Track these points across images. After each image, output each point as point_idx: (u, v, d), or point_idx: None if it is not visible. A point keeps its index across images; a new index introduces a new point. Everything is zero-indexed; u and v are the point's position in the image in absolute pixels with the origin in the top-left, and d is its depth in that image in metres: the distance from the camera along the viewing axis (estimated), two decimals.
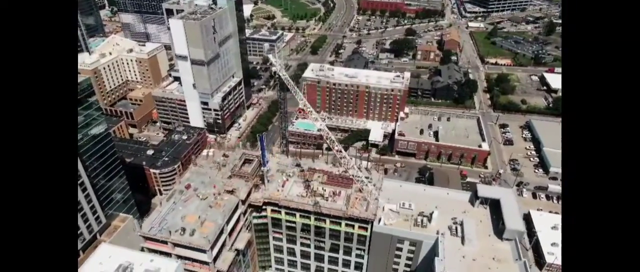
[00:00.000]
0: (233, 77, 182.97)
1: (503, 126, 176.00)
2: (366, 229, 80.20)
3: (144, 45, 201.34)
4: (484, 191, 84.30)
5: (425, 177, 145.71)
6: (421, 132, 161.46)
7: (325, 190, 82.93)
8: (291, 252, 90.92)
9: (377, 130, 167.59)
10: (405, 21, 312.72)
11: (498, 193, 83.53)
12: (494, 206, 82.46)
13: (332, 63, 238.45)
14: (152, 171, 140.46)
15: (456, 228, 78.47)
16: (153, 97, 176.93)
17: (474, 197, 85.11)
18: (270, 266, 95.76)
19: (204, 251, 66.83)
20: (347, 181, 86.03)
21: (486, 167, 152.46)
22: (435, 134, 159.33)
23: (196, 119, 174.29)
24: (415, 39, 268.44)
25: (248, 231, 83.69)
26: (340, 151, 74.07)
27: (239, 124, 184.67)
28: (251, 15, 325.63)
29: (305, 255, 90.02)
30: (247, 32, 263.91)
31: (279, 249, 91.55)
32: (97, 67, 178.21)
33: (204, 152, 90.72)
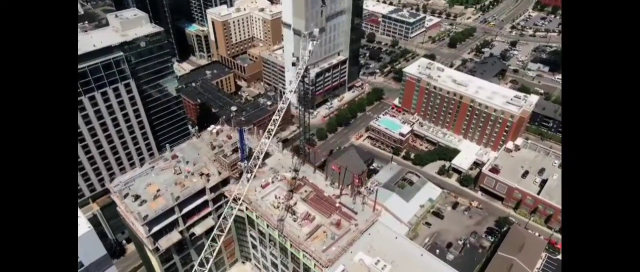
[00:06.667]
0: (338, 54, 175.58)
1: None
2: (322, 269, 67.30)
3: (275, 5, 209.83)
4: None
5: (500, 231, 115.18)
6: (525, 175, 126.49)
7: (296, 210, 72.19)
8: (264, 256, 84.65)
9: (468, 155, 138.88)
10: None
11: None
12: None
13: (464, 62, 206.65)
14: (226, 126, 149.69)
15: None
16: (261, 57, 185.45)
17: None
18: (251, 260, 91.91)
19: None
20: (329, 207, 72.89)
21: None
22: (542, 183, 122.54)
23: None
24: None
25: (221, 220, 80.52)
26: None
27: (331, 104, 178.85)
28: None
29: (274, 265, 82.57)
30: (387, 9, 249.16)
31: (255, 247, 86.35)
32: (227, 20, 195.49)
33: (211, 127, 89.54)
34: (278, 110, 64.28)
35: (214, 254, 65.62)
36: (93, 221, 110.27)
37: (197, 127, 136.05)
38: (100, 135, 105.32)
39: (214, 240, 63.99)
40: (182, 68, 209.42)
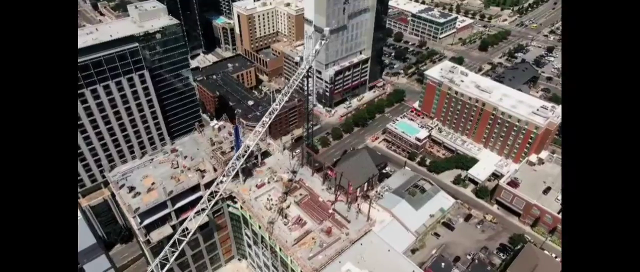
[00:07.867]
0: (360, 53, 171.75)
1: None
2: None
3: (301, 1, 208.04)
4: None
5: (513, 248, 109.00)
6: (546, 191, 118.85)
7: (288, 213, 70.57)
8: (258, 255, 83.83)
9: (486, 165, 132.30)
10: None
11: None
12: None
13: (494, 67, 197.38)
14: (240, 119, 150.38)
15: None
16: (283, 52, 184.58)
17: None
18: (247, 258, 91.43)
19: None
20: (321, 213, 70.78)
21: None
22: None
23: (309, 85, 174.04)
24: None
25: (216, 217, 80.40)
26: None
27: (350, 103, 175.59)
28: None
29: (266, 266, 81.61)
30: (418, 8, 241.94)
31: (250, 246, 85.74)
32: (252, 14, 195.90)
33: (213, 122, 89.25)
34: (269, 112, 62.74)
35: (172, 259, 64.77)
36: (104, 205, 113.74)
37: (215, 120, 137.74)
38: (114, 122, 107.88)
39: (174, 245, 63.18)
40: (206, 59, 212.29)
